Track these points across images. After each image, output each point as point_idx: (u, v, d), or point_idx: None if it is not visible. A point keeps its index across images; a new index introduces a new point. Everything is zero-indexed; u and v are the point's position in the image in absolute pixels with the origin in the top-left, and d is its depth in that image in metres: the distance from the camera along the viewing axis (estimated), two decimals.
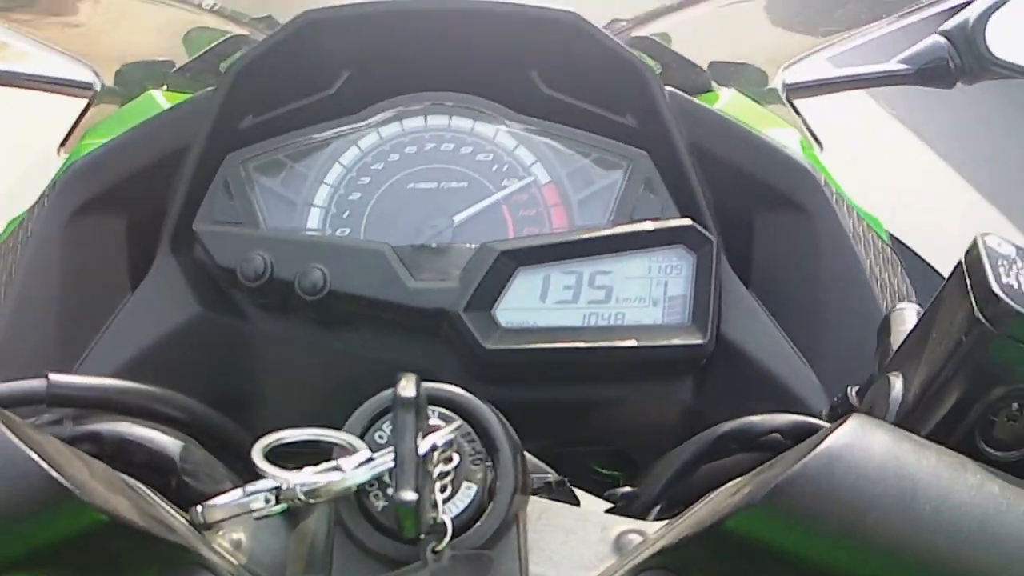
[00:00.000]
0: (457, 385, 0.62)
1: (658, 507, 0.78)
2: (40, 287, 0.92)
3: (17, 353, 0.89)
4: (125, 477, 0.60)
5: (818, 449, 0.49)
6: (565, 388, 0.93)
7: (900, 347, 0.70)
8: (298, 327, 0.93)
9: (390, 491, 0.57)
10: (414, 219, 0.94)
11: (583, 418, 0.96)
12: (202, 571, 0.57)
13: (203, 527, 0.60)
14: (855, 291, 0.94)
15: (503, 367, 0.89)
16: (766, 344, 0.94)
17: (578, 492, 0.88)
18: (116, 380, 0.74)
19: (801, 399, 0.91)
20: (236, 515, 0.59)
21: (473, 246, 0.92)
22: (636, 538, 0.62)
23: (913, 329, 0.68)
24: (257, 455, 0.57)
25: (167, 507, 0.60)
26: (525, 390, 0.91)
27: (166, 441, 0.71)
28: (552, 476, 0.78)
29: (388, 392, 0.60)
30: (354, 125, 0.97)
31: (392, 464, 0.56)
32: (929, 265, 1.17)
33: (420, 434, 0.56)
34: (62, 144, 1.19)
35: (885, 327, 0.77)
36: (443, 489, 0.58)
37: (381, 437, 0.60)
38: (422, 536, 0.55)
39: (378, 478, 0.58)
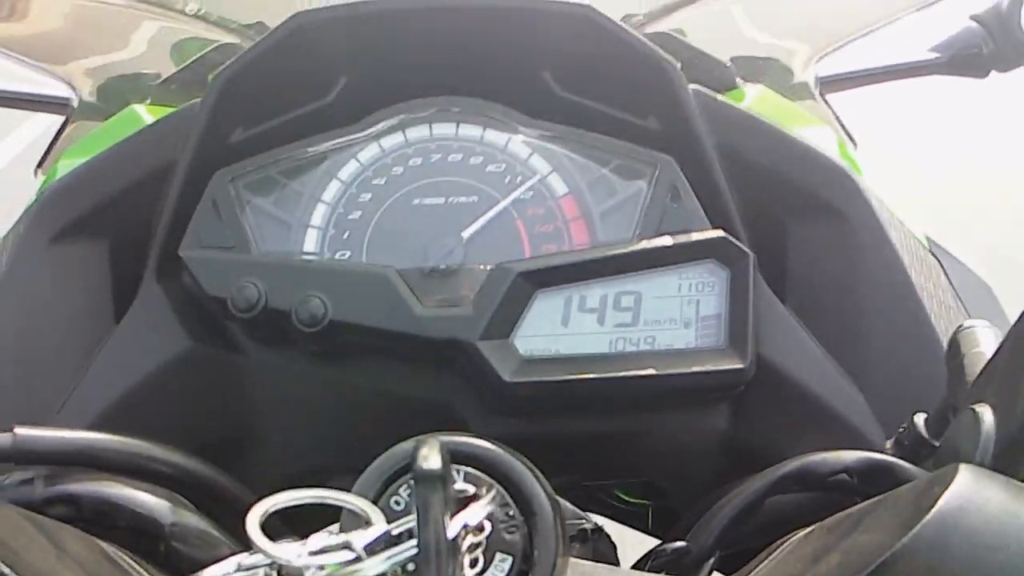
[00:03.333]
0: (478, 431, 0.54)
1: (711, 560, 0.70)
2: (14, 321, 0.84)
3: None
4: (105, 547, 0.51)
5: (931, 515, 0.40)
6: (591, 420, 0.84)
7: (981, 373, 0.61)
8: (297, 360, 0.85)
9: (410, 568, 0.49)
10: (420, 239, 0.86)
11: (611, 451, 0.88)
12: None
13: None
14: (903, 306, 0.86)
15: (524, 400, 0.80)
16: (808, 365, 0.86)
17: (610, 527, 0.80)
18: (93, 433, 0.65)
19: (850, 425, 0.83)
20: None
21: (486, 267, 0.83)
22: None
23: (996, 353, 0.60)
24: (253, 527, 0.48)
25: None
26: (547, 423, 0.83)
27: (153, 502, 0.62)
28: (588, 523, 0.70)
29: (403, 447, 0.52)
30: (353, 136, 0.90)
31: (415, 552, 0.47)
32: (970, 270, 1.08)
33: (448, 513, 0.47)
34: (39, 165, 1.12)
35: (954, 348, 0.69)
36: (473, 564, 0.50)
37: (398, 503, 0.52)
38: None
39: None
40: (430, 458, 0.47)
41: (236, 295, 0.81)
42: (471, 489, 0.51)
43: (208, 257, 0.85)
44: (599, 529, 0.71)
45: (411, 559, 0.47)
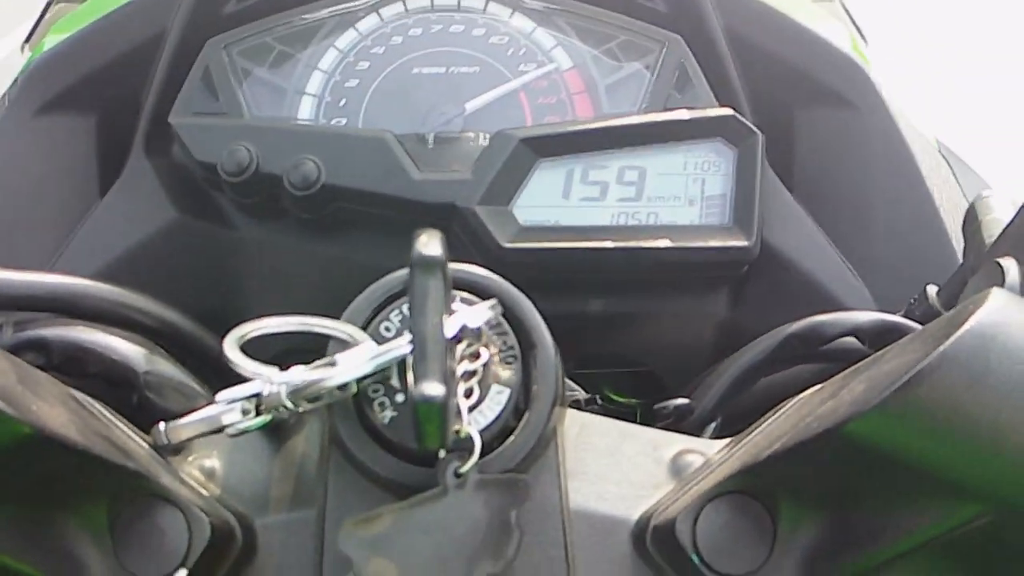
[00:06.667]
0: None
1: (713, 425, 0.68)
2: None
3: None
4: (73, 392, 0.47)
5: (965, 328, 0.37)
6: (590, 298, 0.82)
7: (1000, 236, 0.59)
8: (287, 232, 0.83)
9: (399, 398, 0.46)
10: (420, 107, 0.83)
11: (609, 334, 0.85)
12: (163, 505, 0.45)
13: (167, 450, 0.49)
14: (911, 197, 0.85)
15: (522, 269, 0.77)
16: (812, 252, 0.84)
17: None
18: (67, 277, 0.62)
19: None
20: (207, 432, 0.48)
21: (487, 135, 0.81)
22: (696, 459, 0.51)
23: (1016, 216, 0.58)
24: (231, 347, 0.45)
25: (124, 427, 0.49)
26: (545, 299, 0.80)
27: (126, 348, 0.59)
28: (580, 393, 0.67)
29: (395, 275, 0.49)
30: (351, 5, 0.87)
31: (408, 350, 0.43)
32: (977, 174, 1.06)
33: (445, 311, 0.44)
34: (26, 41, 1.09)
35: (971, 216, 0.67)
36: (468, 394, 0.47)
37: (388, 330, 0.48)
38: (444, 453, 0.44)
39: (385, 380, 0.46)
40: (430, 245, 0.44)
41: (226, 159, 0.79)
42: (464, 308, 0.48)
43: (199, 123, 0.83)
44: (592, 399, 0.69)
45: (400, 363, 0.45)
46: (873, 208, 0.85)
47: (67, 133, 0.86)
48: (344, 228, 0.82)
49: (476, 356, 0.47)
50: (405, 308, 0.49)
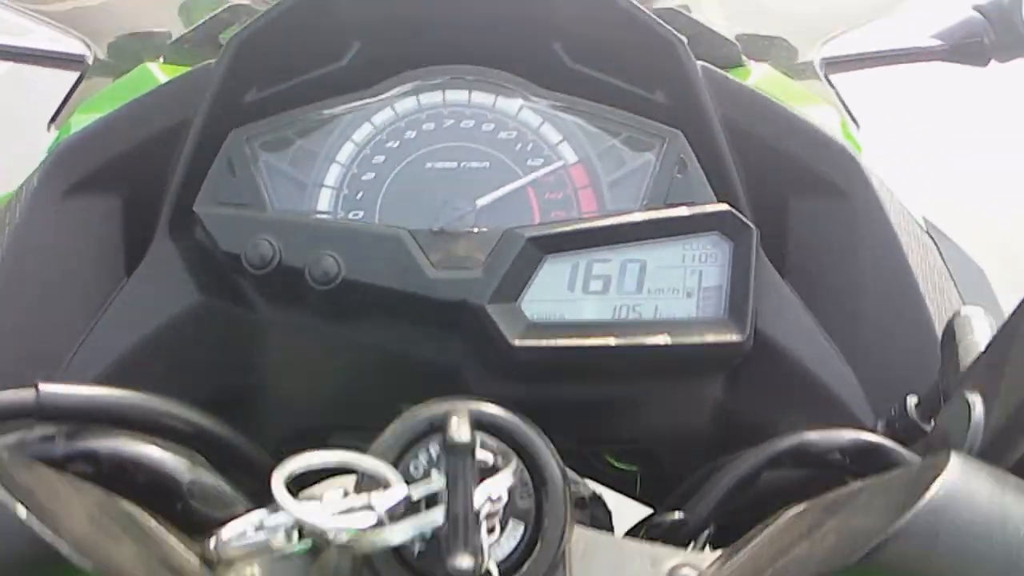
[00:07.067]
0: (480, 394, 0.56)
1: (707, 531, 0.72)
2: (27, 272, 0.86)
3: (1, 345, 0.82)
4: (125, 504, 0.53)
5: (923, 503, 0.43)
6: (591, 386, 0.86)
7: (975, 362, 0.63)
8: (308, 316, 0.86)
9: (427, 532, 0.51)
10: (433, 201, 0.87)
11: (608, 417, 0.90)
12: None
13: (216, 563, 0.54)
14: (898, 285, 0.88)
15: (528, 364, 0.82)
16: (804, 340, 0.88)
17: (604, 492, 0.82)
18: (114, 390, 0.66)
19: (841, 401, 0.85)
20: (254, 553, 0.53)
21: (496, 231, 0.85)
22: (690, 572, 0.56)
23: (991, 343, 0.62)
24: (278, 487, 0.50)
25: (174, 542, 0.54)
26: (548, 388, 0.85)
27: (171, 462, 0.63)
28: (585, 490, 0.72)
29: (424, 413, 0.54)
30: (367, 100, 0.91)
31: (442, 521, 0.49)
32: (964, 252, 1.10)
33: (474, 484, 0.50)
34: (52, 119, 1.13)
35: (949, 334, 0.71)
36: (490, 530, 0.52)
37: (416, 468, 0.54)
38: None
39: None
40: (461, 429, 0.50)
41: (250, 251, 0.83)
42: (488, 457, 0.54)
43: (223, 213, 0.86)
44: (597, 496, 0.73)
45: (436, 527, 0.50)
46: (861, 296, 0.88)
47: (93, 214, 0.89)
48: (360, 316, 0.86)
49: (498, 498, 0.52)
50: (431, 447, 0.54)
